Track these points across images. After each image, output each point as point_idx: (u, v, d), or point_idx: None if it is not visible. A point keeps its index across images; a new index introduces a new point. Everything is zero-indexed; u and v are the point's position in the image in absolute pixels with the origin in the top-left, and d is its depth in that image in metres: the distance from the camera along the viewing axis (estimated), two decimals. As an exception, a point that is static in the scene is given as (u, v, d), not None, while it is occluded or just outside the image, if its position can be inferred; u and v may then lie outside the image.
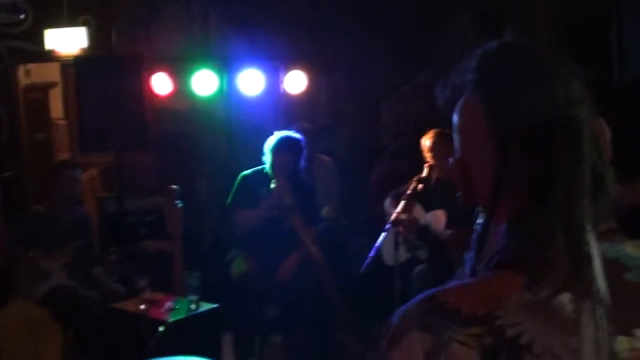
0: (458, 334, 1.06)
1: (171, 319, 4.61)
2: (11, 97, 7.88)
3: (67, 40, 7.32)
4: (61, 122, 9.94)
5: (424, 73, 7.48)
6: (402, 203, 4.83)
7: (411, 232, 5.28)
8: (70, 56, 7.26)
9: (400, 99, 7.85)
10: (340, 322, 5.35)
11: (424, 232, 5.34)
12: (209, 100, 6.76)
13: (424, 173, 5.19)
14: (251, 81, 6.54)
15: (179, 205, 5.39)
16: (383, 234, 4.70)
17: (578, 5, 5.36)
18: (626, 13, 4.86)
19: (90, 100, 5.92)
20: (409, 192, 5.01)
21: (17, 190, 7.66)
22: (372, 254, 4.58)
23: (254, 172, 5.46)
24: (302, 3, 7.42)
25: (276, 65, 6.70)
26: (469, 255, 1.25)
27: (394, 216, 4.77)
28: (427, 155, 5.33)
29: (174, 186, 5.46)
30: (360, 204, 6.85)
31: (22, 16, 5.14)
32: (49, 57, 7.58)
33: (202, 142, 7.50)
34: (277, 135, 5.34)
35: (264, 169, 5.40)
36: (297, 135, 5.39)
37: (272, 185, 5.26)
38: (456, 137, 1.29)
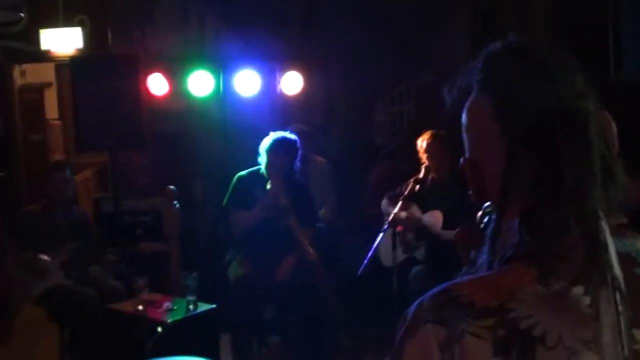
0: (471, 326, 1.07)
1: (169, 320, 4.60)
2: (6, 97, 7.88)
3: (62, 41, 7.33)
4: (56, 122, 9.92)
5: (419, 74, 7.50)
6: (399, 204, 4.84)
7: (410, 230, 5.30)
8: (65, 56, 7.26)
9: (394, 99, 7.86)
10: (337, 322, 5.35)
11: (422, 232, 5.36)
12: (205, 101, 6.75)
13: (421, 174, 5.21)
14: (247, 82, 6.53)
15: (177, 205, 5.39)
16: (380, 235, 4.71)
17: (575, 6, 5.37)
18: (623, 14, 4.88)
19: (86, 101, 5.93)
20: (405, 192, 5.02)
21: (11, 190, 7.67)
22: (369, 254, 4.57)
23: (249, 173, 5.46)
24: (297, 4, 7.43)
25: (272, 66, 6.70)
26: (483, 251, 1.26)
27: (391, 217, 4.77)
28: (423, 156, 5.35)
29: (171, 187, 5.46)
30: (355, 204, 6.86)
31: (21, 14, 5.12)
32: (45, 57, 7.58)
33: (198, 142, 7.50)
34: (273, 136, 5.34)
35: (259, 169, 5.39)
36: (292, 137, 5.38)
37: (268, 186, 5.26)
38: (465, 137, 1.31)
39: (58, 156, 9.01)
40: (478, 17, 6.87)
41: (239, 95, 6.59)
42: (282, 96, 6.75)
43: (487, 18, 6.69)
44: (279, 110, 6.95)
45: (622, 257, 1.15)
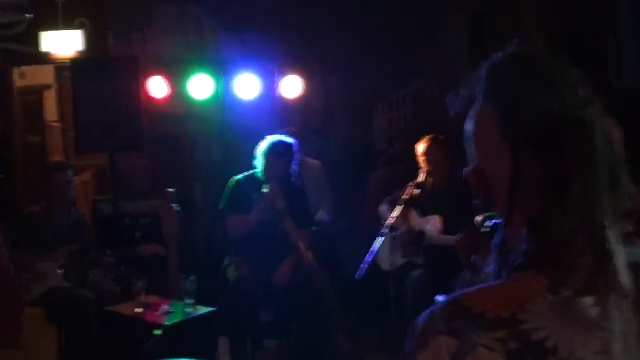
0: (483, 338, 1.07)
1: (167, 323, 4.59)
2: (6, 99, 7.87)
3: (62, 43, 7.32)
4: (55, 124, 9.92)
5: (418, 79, 7.51)
6: (398, 208, 4.84)
7: (409, 237, 5.30)
8: (65, 59, 7.25)
9: (393, 104, 7.87)
10: (335, 326, 5.35)
11: (420, 238, 5.36)
12: (204, 104, 6.76)
13: (420, 178, 5.21)
14: (247, 85, 6.54)
15: (176, 208, 5.39)
16: (379, 239, 4.71)
17: (574, 12, 5.38)
18: (623, 20, 4.88)
19: (86, 103, 5.92)
20: (405, 197, 5.02)
21: (10, 192, 7.66)
22: (368, 258, 4.58)
23: (246, 177, 5.46)
24: (296, 8, 7.44)
25: (272, 69, 6.70)
26: (490, 261, 1.26)
27: (390, 221, 4.77)
28: (422, 161, 5.35)
29: (171, 189, 5.45)
30: (354, 208, 6.86)
31: (28, 15, 5.13)
32: (45, 59, 7.57)
33: (197, 145, 7.51)
34: (270, 139, 5.34)
35: (255, 173, 5.39)
36: (289, 140, 5.39)
37: (264, 190, 5.26)
38: (469, 146, 1.31)
39: (57, 158, 9.01)
40: (476, 22, 6.88)
41: (239, 98, 6.60)
42: (282, 100, 6.76)
43: (485, 23, 6.71)
44: (279, 114, 6.96)
45: (631, 266, 1.15)
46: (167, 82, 6.49)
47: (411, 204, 5.17)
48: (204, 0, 7.54)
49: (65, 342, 5.23)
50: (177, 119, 7.31)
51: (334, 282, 5.56)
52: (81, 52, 7.31)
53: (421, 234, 5.35)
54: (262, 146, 5.32)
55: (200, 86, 6.50)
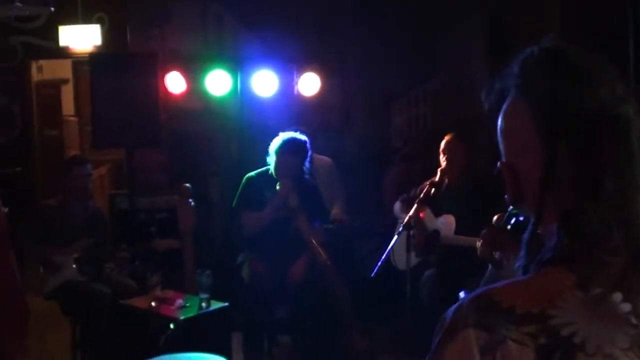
0: (513, 332, 1.07)
1: (181, 317, 4.62)
2: (25, 93, 7.92)
3: (81, 38, 7.37)
4: (72, 119, 9.97)
5: (435, 77, 7.50)
6: (414, 207, 4.82)
7: (424, 240, 5.28)
8: (84, 53, 7.30)
9: (410, 102, 7.86)
10: (350, 324, 5.35)
11: (434, 237, 5.34)
12: (222, 100, 6.78)
13: (436, 177, 5.18)
14: (265, 82, 6.55)
15: (192, 203, 5.40)
16: (395, 238, 4.69)
17: (592, 11, 5.35)
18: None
19: (103, 98, 5.95)
20: (421, 196, 5.00)
21: (27, 185, 7.70)
22: (383, 257, 4.57)
23: (258, 174, 5.46)
24: (315, 6, 7.44)
25: (289, 67, 6.71)
26: (519, 256, 1.26)
27: (406, 220, 4.75)
28: (441, 157, 5.33)
29: (187, 184, 5.47)
30: (370, 206, 6.86)
31: (52, 8, 5.15)
32: (63, 53, 7.61)
33: (214, 141, 7.53)
34: (282, 136, 5.33)
35: (268, 170, 5.39)
36: (302, 137, 5.37)
37: (277, 187, 5.25)
38: (501, 141, 1.30)
39: (74, 152, 9.05)
40: (493, 22, 6.86)
41: (256, 95, 6.61)
42: (299, 97, 6.76)
43: (502, 22, 6.69)
44: (296, 112, 6.96)
45: None
46: (185, 78, 6.51)
47: (426, 203, 5.15)
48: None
49: (80, 335, 5.26)
50: (194, 115, 7.33)
51: (349, 280, 5.56)
52: (99, 47, 7.34)
53: (435, 233, 5.33)
54: (275, 143, 5.31)
55: (218, 82, 6.51)
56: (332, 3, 7.55)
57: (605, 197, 1.13)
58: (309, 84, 6.67)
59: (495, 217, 2.85)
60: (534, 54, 1.25)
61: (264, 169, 5.44)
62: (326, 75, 6.81)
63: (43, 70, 9.01)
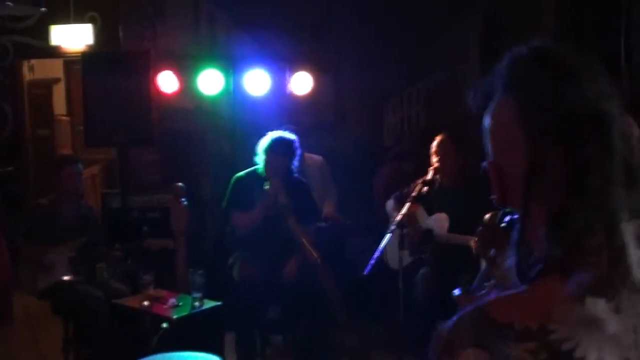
0: (514, 350, 1.06)
1: (174, 316, 4.61)
2: (16, 92, 7.90)
3: (73, 37, 7.35)
4: (64, 118, 9.97)
5: (428, 76, 7.51)
6: (406, 205, 4.82)
7: (416, 235, 5.29)
8: (75, 53, 7.28)
9: (403, 101, 7.87)
10: (342, 322, 5.35)
11: (427, 236, 5.35)
12: (214, 99, 6.77)
13: (428, 175, 5.19)
14: (257, 81, 6.54)
15: (185, 203, 5.40)
16: (387, 236, 4.69)
17: (586, 11, 5.36)
18: (635, 21, 4.87)
19: (96, 97, 5.94)
20: (413, 194, 5.00)
21: (19, 185, 7.69)
22: (375, 255, 4.56)
23: (247, 174, 5.43)
24: (308, 5, 7.44)
25: (282, 66, 6.70)
26: (510, 255, 1.25)
27: (398, 218, 4.75)
28: (433, 156, 5.33)
29: (179, 184, 5.46)
30: (363, 205, 6.86)
31: (43, 9, 5.14)
32: (55, 53, 7.60)
33: (206, 140, 7.53)
34: (271, 135, 5.32)
35: (257, 169, 5.38)
36: (291, 136, 5.35)
37: (266, 186, 5.24)
38: (488, 140, 1.30)
39: (66, 152, 9.04)
40: (487, 20, 6.87)
41: (249, 94, 6.60)
42: (292, 96, 6.75)
43: (497, 22, 6.70)
44: (288, 111, 6.96)
45: None
46: (177, 77, 6.49)
47: (419, 201, 5.15)
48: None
49: (72, 334, 5.24)
50: (187, 114, 7.32)
51: (341, 278, 5.56)
52: (91, 46, 7.33)
53: (428, 231, 5.34)
54: (263, 143, 5.29)
55: (211, 81, 6.50)
56: (325, 2, 7.55)
57: (590, 194, 1.13)
58: (302, 83, 6.67)
59: (487, 216, 2.85)
60: (522, 53, 1.25)
61: (252, 168, 5.42)
62: (319, 74, 6.80)
63: (34, 69, 9.00)
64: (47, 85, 9.34)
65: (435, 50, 7.28)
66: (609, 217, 1.12)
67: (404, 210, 4.78)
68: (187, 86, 6.57)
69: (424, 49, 7.27)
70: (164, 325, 4.56)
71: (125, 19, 7.50)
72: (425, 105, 7.57)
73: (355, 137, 7.72)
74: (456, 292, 1.43)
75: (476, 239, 2.60)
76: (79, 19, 7.37)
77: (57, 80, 9.73)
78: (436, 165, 5.26)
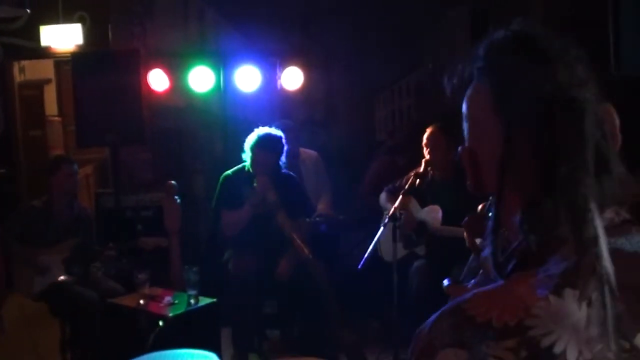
0: (493, 349, 1.04)
1: (170, 314, 4.62)
2: (7, 94, 7.88)
3: (62, 37, 7.33)
4: (55, 119, 9.94)
5: (419, 69, 7.51)
6: (399, 198, 4.83)
7: (409, 227, 5.31)
8: (65, 53, 7.27)
9: (394, 95, 7.87)
10: (337, 317, 5.35)
11: (421, 228, 5.36)
12: (205, 97, 6.76)
13: (420, 168, 5.20)
14: (247, 77, 6.53)
15: (178, 200, 5.40)
16: (381, 229, 4.70)
17: (574, 3, 5.37)
18: (623, 7, 4.86)
19: (86, 97, 5.94)
20: (406, 186, 5.01)
21: (11, 187, 7.67)
22: (370, 249, 4.57)
23: (235, 172, 5.42)
24: (297, 0, 7.43)
25: (272, 61, 6.69)
26: (486, 244, 1.24)
27: (391, 211, 4.76)
28: (424, 149, 5.34)
29: (172, 182, 5.46)
30: (356, 199, 6.87)
31: (28, 10, 5.11)
32: (45, 53, 7.57)
33: (198, 138, 7.52)
34: (257, 132, 5.30)
35: (244, 167, 5.37)
36: (277, 132, 5.33)
37: (255, 184, 5.23)
38: (465, 125, 1.30)
39: (58, 152, 9.02)
40: (477, 12, 6.87)
41: (240, 90, 6.59)
42: (283, 92, 6.75)
43: (486, 13, 6.70)
44: (279, 106, 6.95)
45: (630, 256, 1.13)
46: (168, 75, 6.49)
47: (411, 194, 5.16)
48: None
49: (69, 334, 5.25)
50: (177, 111, 7.31)
51: (334, 273, 5.56)
52: (81, 46, 7.31)
53: (422, 224, 5.36)
54: (250, 140, 5.28)
55: (201, 78, 6.49)
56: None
57: (559, 182, 1.11)
58: (292, 78, 6.66)
59: (480, 206, 2.87)
60: (499, 37, 1.24)
61: (240, 166, 5.40)
62: (309, 69, 6.80)
63: (25, 70, 8.98)
64: (38, 86, 9.31)
65: (425, 42, 7.28)
66: (579, 206, 1.10)
67: (397, 203, 4.78)
68: (178, 84, 6.56)
69: (414, 41, 7.26)
70: (160, 323, 4.57)
71: (114, 17, 7.48)
72: (416, 98, 7.57)
73: (346, 131, 7.72)
74: (445, 282, 1.43)
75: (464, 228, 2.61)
76: (68, 18, 7.35)
77: (48, 81, 9.70)
78: (427, 157, 5.27)
